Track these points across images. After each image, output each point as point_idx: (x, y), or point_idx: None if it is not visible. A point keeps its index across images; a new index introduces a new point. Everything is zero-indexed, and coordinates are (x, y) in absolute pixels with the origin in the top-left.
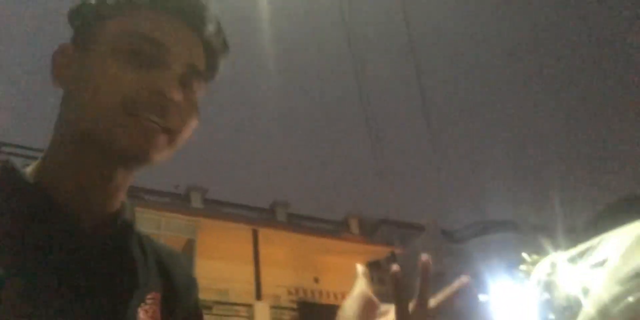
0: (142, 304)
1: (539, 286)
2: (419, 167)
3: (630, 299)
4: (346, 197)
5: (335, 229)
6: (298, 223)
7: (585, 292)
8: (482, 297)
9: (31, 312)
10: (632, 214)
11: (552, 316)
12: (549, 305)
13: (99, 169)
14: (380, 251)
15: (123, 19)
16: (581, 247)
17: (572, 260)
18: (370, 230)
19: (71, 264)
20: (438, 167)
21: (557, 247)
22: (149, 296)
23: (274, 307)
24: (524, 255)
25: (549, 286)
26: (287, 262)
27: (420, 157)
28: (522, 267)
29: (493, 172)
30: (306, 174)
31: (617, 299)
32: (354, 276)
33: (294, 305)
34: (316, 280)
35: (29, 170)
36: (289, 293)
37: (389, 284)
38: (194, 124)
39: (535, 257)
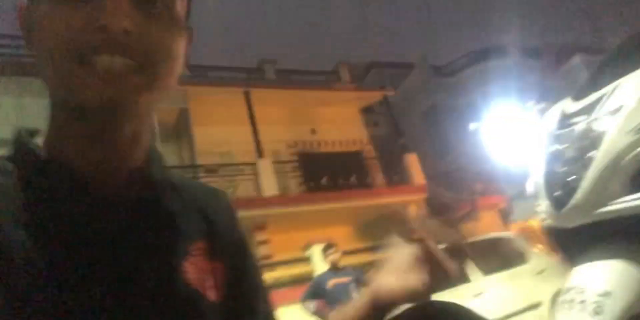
0: (188, 257)
1: (548, 137)
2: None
3: None
4: (334, 46)
5: (325, 79)
6: (288, 78)
7: (599, 141)
8: (474, 125)
9: (74, 284)
10: None
11: (562, 168)
12: (559, 156)
13: (89, 127)
14: (372, 96)
15: None
16: (595, 95)
17: (585, 110)
18: (361, 76)
19: (105, 234)
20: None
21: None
22: (193, 247)
23: (275, 162)
24: (530, 102)
25: (559, 138)
26: (283, 118)
27: None
28: (529, 112)
29: None
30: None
31: (629, 147)
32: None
33: (295, 157)
34: (313, 131)
35: (40, 141)
36: (288, 146)
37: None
38: (175, 39)
39: (543, 104)
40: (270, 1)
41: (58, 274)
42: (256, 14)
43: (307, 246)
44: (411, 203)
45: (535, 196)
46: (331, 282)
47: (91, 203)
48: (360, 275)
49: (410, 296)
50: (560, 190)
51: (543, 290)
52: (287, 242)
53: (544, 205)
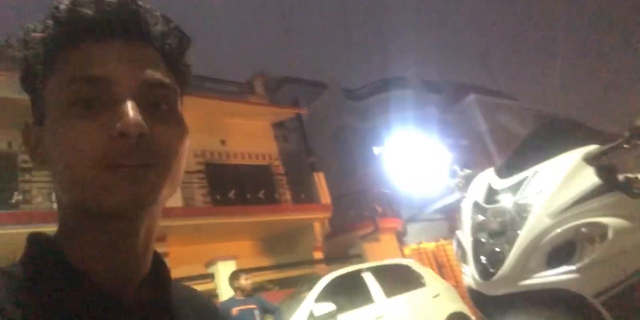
0: None
1: (474, 207)
2: (324, 26)
3: (559, 230)
4: (250, 57)
5: (240, 90)
6: (202, 86)
7: (523, 221)
8: (377, 149)
9: None
10: (559, 140)
11: (488, 239)
12: (484, 227)
13: (107, 235)
14: (285, 112)
15: (59, 70)
16: (518, 176)
17: (510, 189)
18: (273, 89)
19: None
20: (344, 25)
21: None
22: None
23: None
24: (455, 167)
25: (485, 210)
26: (193, 126)
27: (327, 18)
28: (454, 181)
29: (398, 30)
30: (209, 35)
31: (546, 230)
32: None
33: (202, 168)
34: (222, 142)
35: (51, 244)
36: (196, 156)
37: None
38: (181, 139)
39: (467, 171)
40: (190, 3)
41: None
42: (173, 16)
43: (211, 263)
44: (316, 220)
45: (460, 258)
46: (235, 309)
47: (108, 310)
48: (265, 303)
49: None
50: (486, 260)
51: (437, 314)
52: (188, 256)
53: (470, 270)
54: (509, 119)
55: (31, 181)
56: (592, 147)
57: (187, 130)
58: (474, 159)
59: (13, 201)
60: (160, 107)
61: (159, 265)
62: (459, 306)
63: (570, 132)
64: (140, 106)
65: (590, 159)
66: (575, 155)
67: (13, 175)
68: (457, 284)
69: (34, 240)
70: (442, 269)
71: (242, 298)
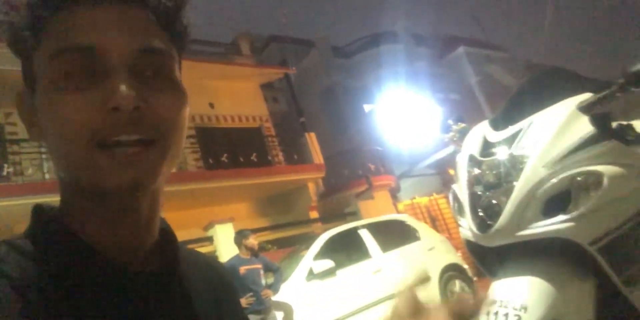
0: None
1: (470, 160)
2: None
3: (554, 180)
4: (235, 17)
5: (226, 51)
6: (187, 48)
7: (519, 173)
8: (368, 107)
9: None
10: (552, 90)
11: (485, 192)
12: (479, 179)
13: (109, 211)
14: (273, 73)
15: (47, 38)
16: (513, 128)
17: (506, 141)
18: (259, 49)
19: (128, 311)
20: None
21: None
22: None
23: None
24: (450, 122)
25: (481, 163)
26: None
27: None
28: (449, 135)
29: None
30: None
31: (542, 181)
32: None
33: (192, 132)
34: (211, 105)
35: (57, 216)
36: None
37: None
38: (181, 109)
39: (461, 125)
40: None
41: None
42: None
43: (209, 226)
44: (311, 181)
45: (457, 211)
46: (243, 268)
47: (114, 280)
48: (268, 262)
49: None
50: (483, 212)
51: (433, 266)
52: (184, 221)
53: (466, 222)
54: (499, 70)
55: (20, 153)
56: (586, 96)
57: (187, 99)
58: (465, 112)
59: (4, 173)
60: (156, 75)
61: (166, 234)
62: (453, 257)
63: (564, 81)
64: (135, 76)
65: (584, 108)
66: (569, 105)
67: (1, 147)
68: (450, 237)
69: (39, 212)
70: (436, 222)
71: (248, 257)
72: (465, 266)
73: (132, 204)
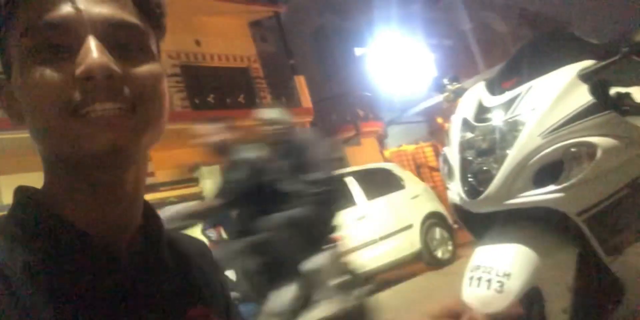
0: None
1: (463, 124)
2: None
3: (548, 150)
4: None
5: None
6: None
7: (513, 141)
8: (359, 51)
9: None
10: (554, 54)
11: (476, 158)
12: (472, 144)
13: (90, 183)
14: (262, 11)
15: (18, 17)
16: (510, 93)
17: (502, 106)
18: None
19: (113, 293)
20: None
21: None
22: (192, 311)
23: None
24: (445, 81)
25: (474, 128)
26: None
27: None
28: (444, 95)
29: None
30: None
31: (536, 150)
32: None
33: (177, 70)
34: (197, 43)
35: (40, 197)
36: (170, 57)
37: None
38: (158, 80)
39: (456, 85)
40: None
41: None
42: None
43: (195, 167)
44: (298, 125)
45: (446, 175)
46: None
47: (100, 261)
48: None
49: None
50: (473, 178)
51: (415, 214)
52: (170, 161)
53: (455, 186)
54: (493, 17)
55: None
56: (587, 63)
57: (164, 73)
58: (457, 59)
59: None
60: (130, 48)
61: (150, 216)
62: (436, 206)
63: (566, 45)
64: (108, 47)
65: (585, 76)
66: (570, 71)
67: None
68: (435, 185)
69: (22, 193)
70: (421, 169)
71: None
72: (446, 214)
73: (116, 176)
